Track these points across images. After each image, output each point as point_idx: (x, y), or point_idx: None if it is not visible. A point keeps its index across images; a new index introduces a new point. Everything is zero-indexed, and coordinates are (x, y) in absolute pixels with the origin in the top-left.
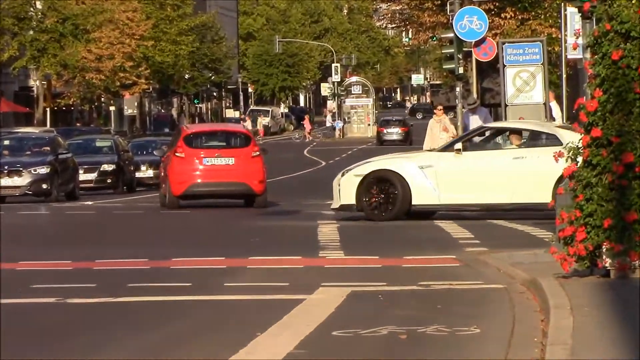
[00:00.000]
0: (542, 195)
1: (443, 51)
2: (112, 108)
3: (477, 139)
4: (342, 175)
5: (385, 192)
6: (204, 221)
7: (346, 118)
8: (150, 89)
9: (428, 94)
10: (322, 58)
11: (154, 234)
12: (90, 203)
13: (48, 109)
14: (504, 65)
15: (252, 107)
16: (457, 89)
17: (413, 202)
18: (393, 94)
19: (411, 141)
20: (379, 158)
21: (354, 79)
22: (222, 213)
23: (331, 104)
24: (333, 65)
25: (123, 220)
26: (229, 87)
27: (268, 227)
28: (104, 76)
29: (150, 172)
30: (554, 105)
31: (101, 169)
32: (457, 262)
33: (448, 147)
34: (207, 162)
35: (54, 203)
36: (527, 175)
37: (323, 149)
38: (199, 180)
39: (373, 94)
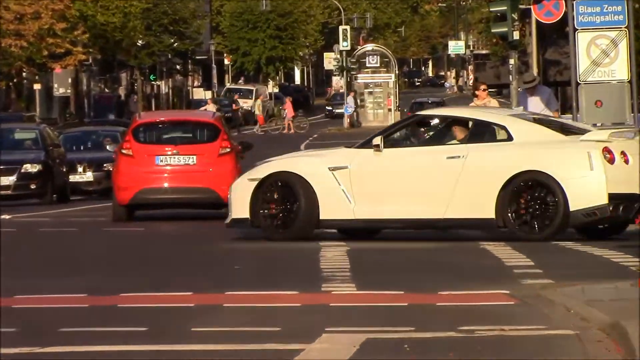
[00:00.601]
0: (483, 208)
1: (491, 9)
2: (37, 86)
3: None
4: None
5: (285, 201)
6: (164, 241)
7: (358, 101)
8: (90, 61)
9: (470, 68)
10: (326, 18)
11: (95, 259)
12: (7, 217)
13: None
14: (575, 30)
15: (228, 86)
16: (511, 61)
17: (321, 217)
18: (423, 68)
19: None
20: (286, 156)
21: (369, 47)
22: (190, 230)
23: (338, 82)
24: (341, 28)
25: (52, 240)
26: (197, 57)
27: (253, 250)
28: (26, 42)
29: (89, 175)
30: None
31: (22, 171)
32: (511, 300)
33: (368, 142)
34: (161, 161)
35: None
36: (465, 181)
37: (326, 144)
38: (151, 186)
39: (395, 68)
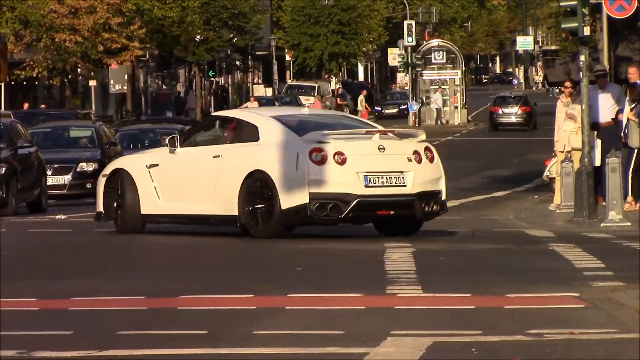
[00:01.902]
0: (233, 205)
1: (561, 4)
2: (92, 83)
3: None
4: None
5: (118, 196)
6: (224, 243)
7: (424, 98)
8: (147, 57)
9: (539, 64)
10: (390, 13)
11: (155, 261)
12: (62, 217)
13: (2, 84)
14: None
15: (290, 82)
16: (581, 57)
17: (142, 211)
18: (490, 64)
19: (535, 125)
20: (138, 153)
21: (434, 42)
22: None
23: (402, 78)
24: (405, 23)
25: (109, 242)
26: (257, 53)
27: (315, 252)
28: (82, 38)
29: None
30: None
31: (78, 170)
32: (581, 302)
33: (184, 141)
34: None
35: (10, 217)
36: (221, 180)
37: None
38: None
39: (462, 64)
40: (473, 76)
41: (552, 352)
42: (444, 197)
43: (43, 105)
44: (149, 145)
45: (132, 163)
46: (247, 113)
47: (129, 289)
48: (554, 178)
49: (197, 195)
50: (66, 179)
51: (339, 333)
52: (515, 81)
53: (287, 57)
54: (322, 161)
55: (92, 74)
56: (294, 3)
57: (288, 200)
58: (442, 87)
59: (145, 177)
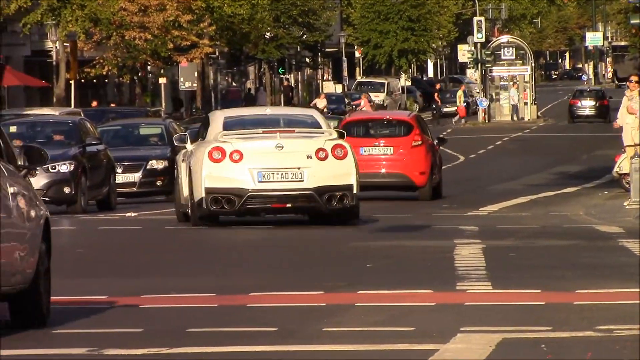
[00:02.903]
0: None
1: (630, 0)
2: (162, 80)
3: None
4: None
5: None
6: (294, 240)
7: (493, 94)
8: (217, 54)
9: (609, 60)
10: (460, 9)
11: (225, 257)
12: (133, 215)
13: (72, 82)
14: None
15: (359, 79)
16: None
17: None
18: (560, 60)
19: (610, 118)
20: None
21: (504, 38)
22: (320, 229)
23: (472, 74)
24: (475, 19)
25: (179, 238)
26: (327, 50)
27: (385, 249)
28: (151, 35)
29: None
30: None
31: (148, 167)
32: None
33: None
34: (365, 151)
35: (79, 214)
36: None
37: (463, 138)
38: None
39: (532, 60)
40: (542, 72)
41: (622, 348)
42: (355, 191)
43: (113, 105)
44: None
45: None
46: (217, 113)
47: (199, 285)
48: (623, 174)
49: None
50: (136, 176)
51: (409, 330)
52: (584, 77)
53: (357, 54)
54: (220, 159)
55: (162, 71)
56: (364, 0)
57: (196, 194)
58: (517, 82)
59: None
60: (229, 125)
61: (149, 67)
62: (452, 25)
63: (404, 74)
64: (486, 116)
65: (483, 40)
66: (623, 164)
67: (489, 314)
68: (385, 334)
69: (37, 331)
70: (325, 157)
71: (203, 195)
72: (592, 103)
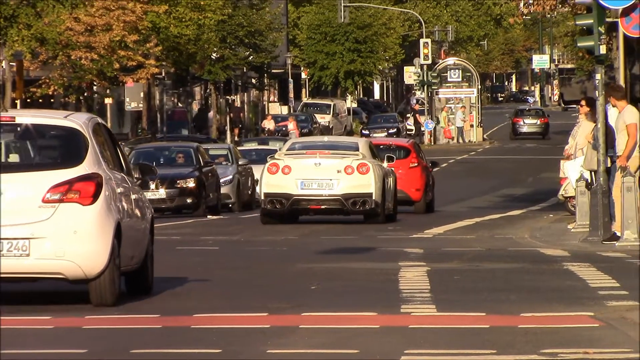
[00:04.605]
0: None
1: (577, 22)
2: (108, 101)
3: None
4: None
5: None
6: (239, 261)
7: (440, 117)
8: (163, 74)
9: (555, 82)
10: (406, 31)
11: (171, 279)
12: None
13: (18, 102)
14: None
15: (305, 100)
16: (597, 76)
17: None
18: (506, 83)
19: (549, 135)
20: None
21: (450, 60)
22: (268, 250)
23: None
24: (422, 41)
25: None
26: (273, 71)
27: (329, 270)
28: (97, 55)
29: (162, 192)
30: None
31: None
32: (596, 322)
33: None
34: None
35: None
36: None
37: None
38: None
39: (478, 82)
40: (489, 94)
41: None
42: (374, 198)
43: None
44: (164, 163)
45: None
46: (292, 139)
47: (143, 306)
48: (569, 197)
49: None
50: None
51: (354, 352)
52: (530, 99)
53: (303, 75)
54: (275, 172)
55: (107, 91)
56: (310, 21)
57: (261, 197)
58: (464, 105)
59: None
60: (292, 147)
61: (95, 87)
62: (399, 47)
63: (350, 96)
64: (432, 138)
65: (429, 62)
66: (568, 187)
67: (433, 336)
68: (329, 356)
69: None
70: (352, 172)
71: (263, 198)
72: (534, 121)
